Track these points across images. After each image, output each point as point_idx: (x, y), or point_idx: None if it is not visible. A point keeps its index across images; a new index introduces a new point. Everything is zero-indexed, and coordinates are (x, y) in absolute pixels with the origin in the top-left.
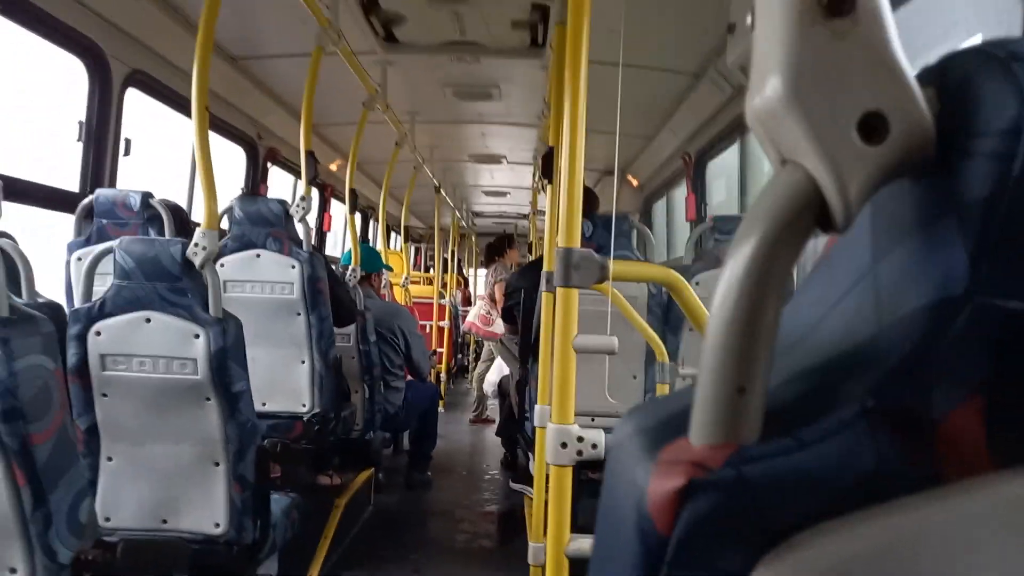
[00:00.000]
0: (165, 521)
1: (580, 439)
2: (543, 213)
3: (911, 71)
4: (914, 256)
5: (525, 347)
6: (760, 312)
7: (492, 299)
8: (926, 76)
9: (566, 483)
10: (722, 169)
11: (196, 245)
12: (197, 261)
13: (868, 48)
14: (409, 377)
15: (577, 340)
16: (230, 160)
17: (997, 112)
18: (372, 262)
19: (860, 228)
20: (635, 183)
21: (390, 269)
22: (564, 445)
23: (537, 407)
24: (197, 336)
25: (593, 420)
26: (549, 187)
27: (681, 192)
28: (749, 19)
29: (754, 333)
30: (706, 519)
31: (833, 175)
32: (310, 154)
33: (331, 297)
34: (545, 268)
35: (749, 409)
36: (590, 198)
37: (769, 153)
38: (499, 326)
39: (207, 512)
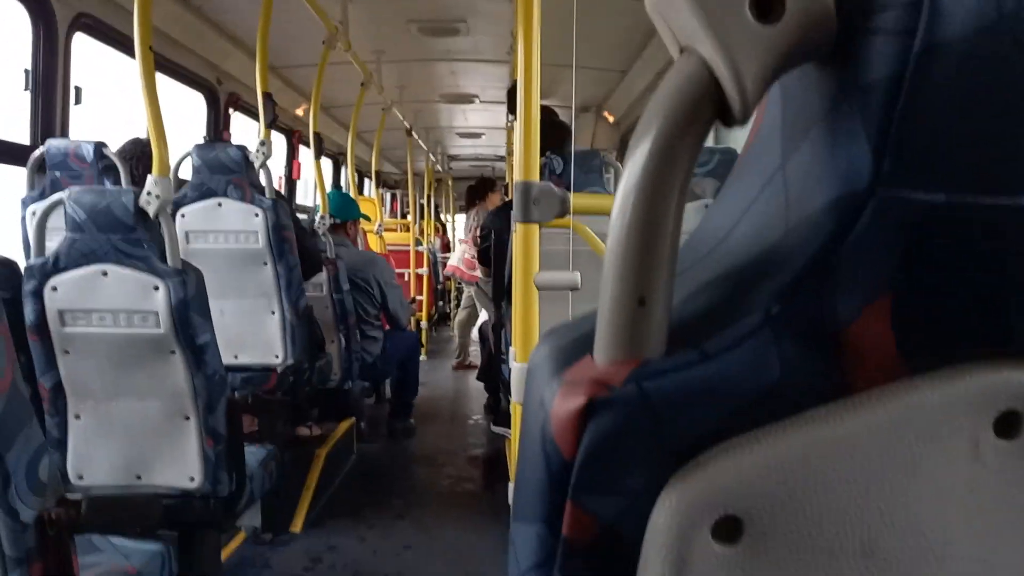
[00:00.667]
0: (139, 477)
1: None
2: None
3: None
4: (819, 150)
5: (498, 289)
6: (659, 215)
7: (474, 242)
8: None
9: None
10: None
11: (148, 194)
12: (151, 210)
13: None
14: (388, 326)
15: (538, 277)
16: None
17: None
18: (346, 209)
19: (772, 123)
20: (611, 119)
21: (367, 219)
22: None
23: (511, 348)
24: (156, 288)
25: None
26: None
27: None
28: None
29: (653, 238)
30: (608, 439)
31: (726, 60)
32: (267, 96)
33: (299, 245)
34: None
35: (651, 321)
36: (562, 134)
37: (669, 43)
38: (481, 268)
39: (180, 466)
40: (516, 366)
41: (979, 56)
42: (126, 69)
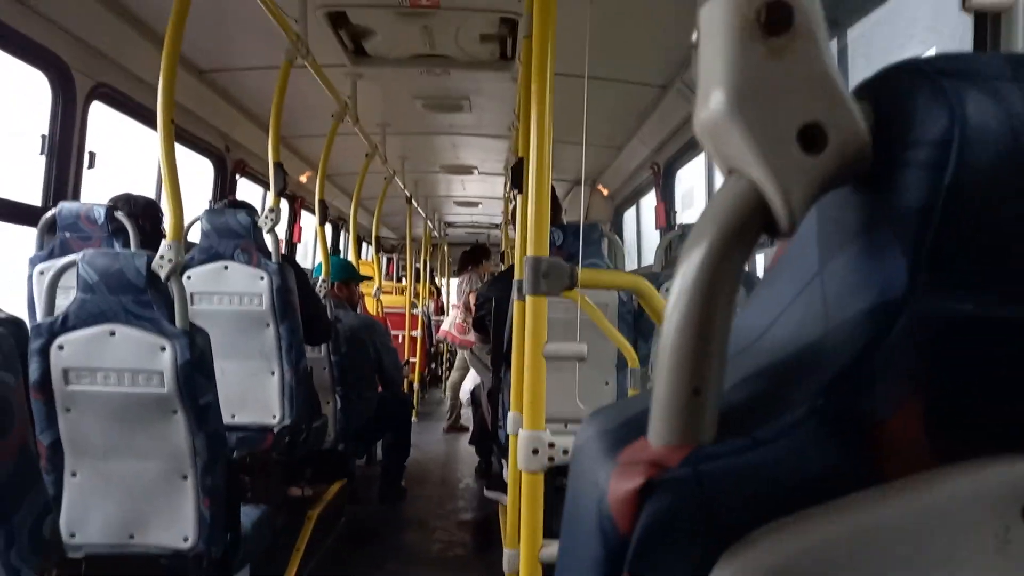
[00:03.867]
0: (132, 536)
1: (551, 445)
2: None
3: (845, 85)
4: (857, 262)
5: (497, 356)
6: (712, 315)
7: (467, 308)
8: (862, 90)
9: (538, 489)
10: (690, 177)
11: (162, 257)
12: (163, 273)
13: (805, 64)
14: (381, 388)
15: (547, 347)
16: (199, 172)
17: (928, 124)
18: (343, 271)
19: (808, 234)
20: (606, 192)
21: (368, 279)
22: (535, 451)
23: (510, 414)
24: (163, 349)
25: (566, 426)
26: (519, 197)
27: (650, 200)
28: (694, 36)
29: (707, 336)
30: (665, 517)
31: (776, 184)
32: (279, 166)
33: (310, 312)
34: (516, 277)
35: (704, 409)
36: (555, 207)
37: (717, 163)
38: (474, 334)
39: (175, 526)
40: (524, 434)
41: (1003, 183)
42: (128, 129)
